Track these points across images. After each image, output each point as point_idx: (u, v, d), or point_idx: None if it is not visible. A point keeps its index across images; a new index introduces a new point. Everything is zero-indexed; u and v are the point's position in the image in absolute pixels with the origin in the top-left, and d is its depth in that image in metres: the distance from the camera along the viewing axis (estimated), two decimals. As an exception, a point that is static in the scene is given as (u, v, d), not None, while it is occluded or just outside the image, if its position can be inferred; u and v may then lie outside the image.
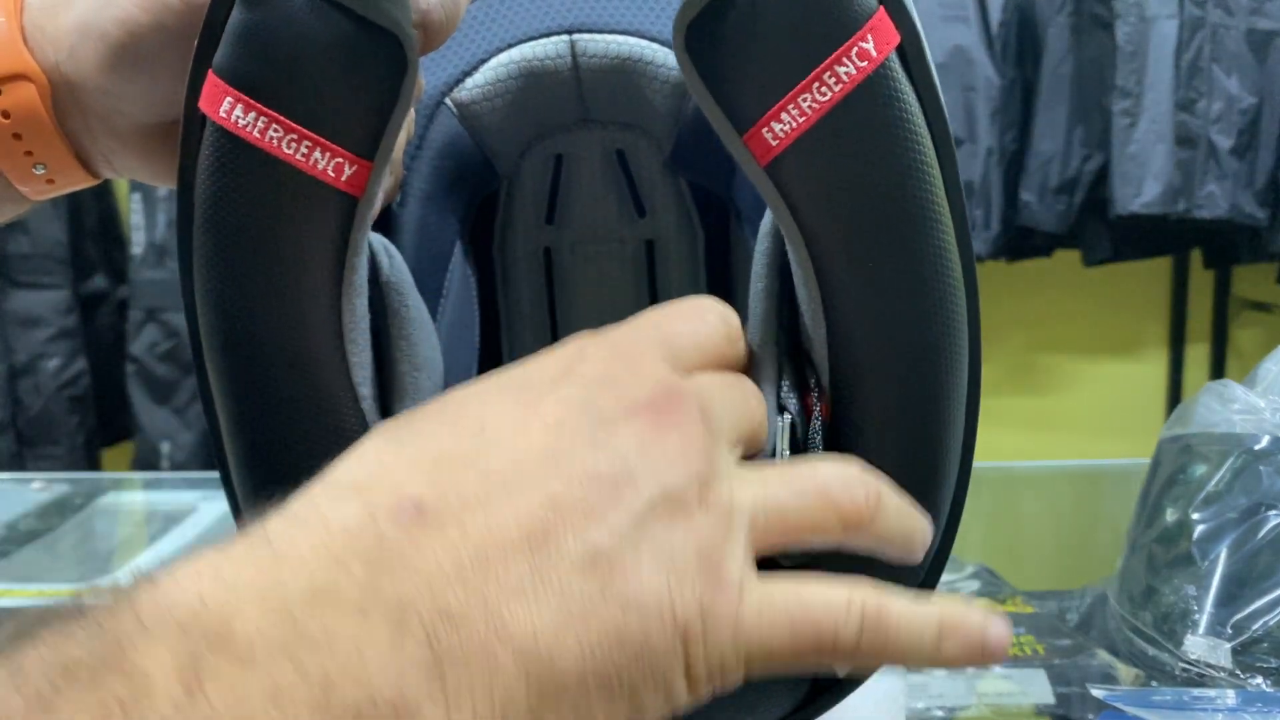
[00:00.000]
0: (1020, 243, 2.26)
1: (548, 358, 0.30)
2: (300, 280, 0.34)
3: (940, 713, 0.63)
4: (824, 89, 0.32)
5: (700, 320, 0.33)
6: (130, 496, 1.19)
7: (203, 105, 0.34)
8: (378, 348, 0.37)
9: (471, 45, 0.44)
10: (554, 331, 0.51)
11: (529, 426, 0.28)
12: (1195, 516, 0.66)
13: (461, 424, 0.28)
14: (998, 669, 0.66)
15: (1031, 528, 1.08)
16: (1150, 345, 2.59)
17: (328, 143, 0.33)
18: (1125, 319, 2.57)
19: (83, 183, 0.41)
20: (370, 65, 0.32)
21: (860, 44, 0.32)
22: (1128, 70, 2.08)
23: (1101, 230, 2.22)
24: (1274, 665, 0.60)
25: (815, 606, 0.28)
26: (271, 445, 0.35)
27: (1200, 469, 0.68)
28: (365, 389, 0.36)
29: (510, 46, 0.44)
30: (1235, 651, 0.61)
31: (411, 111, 0.42)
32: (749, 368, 0.36)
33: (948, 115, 0.35)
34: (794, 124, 0.32)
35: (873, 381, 0.35)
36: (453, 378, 0.44)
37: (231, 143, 0.33)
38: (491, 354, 0.51)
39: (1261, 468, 0.66)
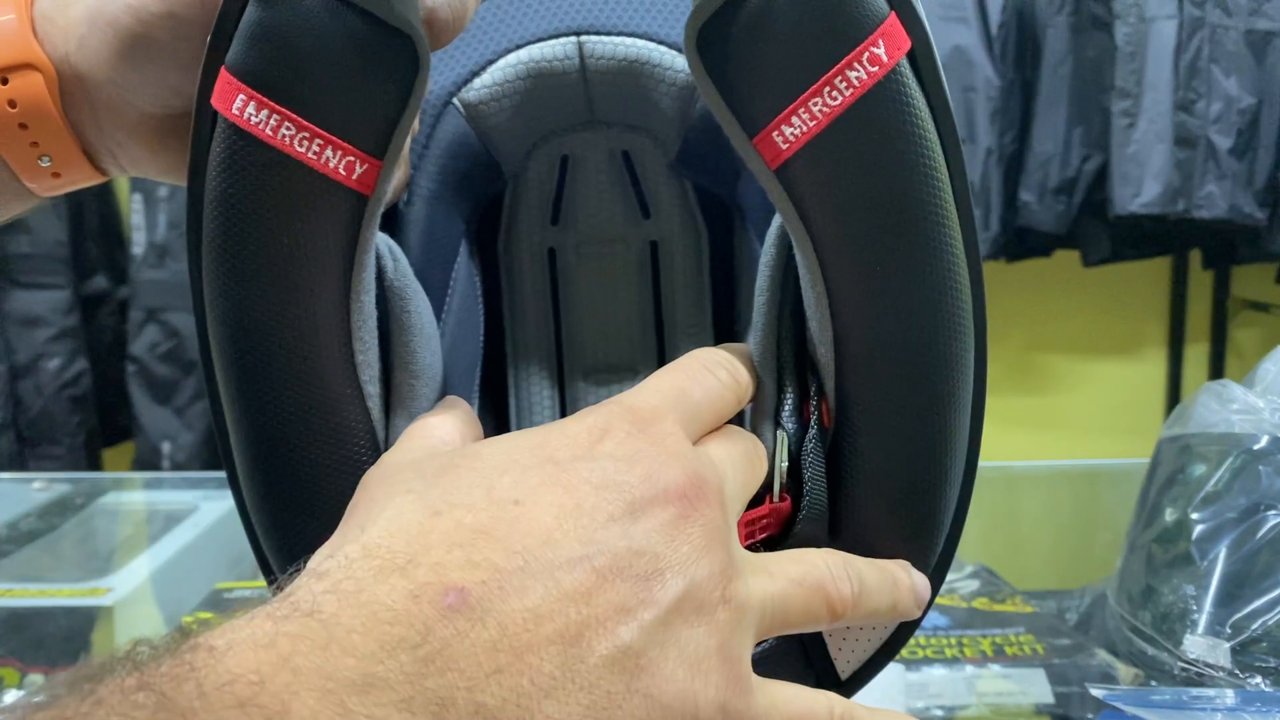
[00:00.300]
0: (1020, 243, 2.26)
1: (573, 428, 0.31)
2: (309, 277, 0.34)
3: (939, 712, 0.63)
4: (835, 93, 0.32)
5: (713, 378, 0.34)
6: (131, 496, 1.19)
7: (215, 102, 0.34)
8: (384, 347, 0.37)
9: (480, 46, 0.44)
10: (558, 332, 0.51)
11: (562, 505, 0.29)
12: (1194, 516, 0.66)
13: (495, 495, 0.29)
14: (997, 668, 0.67)
15: (1031, 527, 1.08)
16: (1149, 345, 2.59)
17: (339, 141, 0.33)
18: (1124, 319, 2.57)
19: (89, 179, 0.41)
20: (383, 64, 0.33)
21: (872, 49, 0.32)
22: (1127, 71, 2.08)
23: (1101, 230, 2.22)
24: (1273, 665, 0.60)
25: (802, 713, 0.31)
26: (277, 442, 0.35)
27: (1199, 469, 0.68)
28: (372, 387, 0.36)
29: (518, 48, 0.44)
30: (1234, 651, 0.61)
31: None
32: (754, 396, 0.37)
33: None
34: (804, 128, 0.32)
35: (878, 386, 0.35)
36: (456, 377, 0.44)
37: (243, 140, 0.33)
38: (495, 354, 0.51)
39: (1260, 467, 0.66)
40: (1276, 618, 0.61)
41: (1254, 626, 0.61)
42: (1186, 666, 0.62)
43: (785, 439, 0.36)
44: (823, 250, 0.34)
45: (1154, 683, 0.63)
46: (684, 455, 0.31)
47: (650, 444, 0.31)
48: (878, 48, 0.32)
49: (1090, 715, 0.61)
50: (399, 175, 0.42)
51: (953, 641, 0.70)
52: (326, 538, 0.35)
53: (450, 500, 0.29)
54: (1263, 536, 0.64)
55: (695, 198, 0.50)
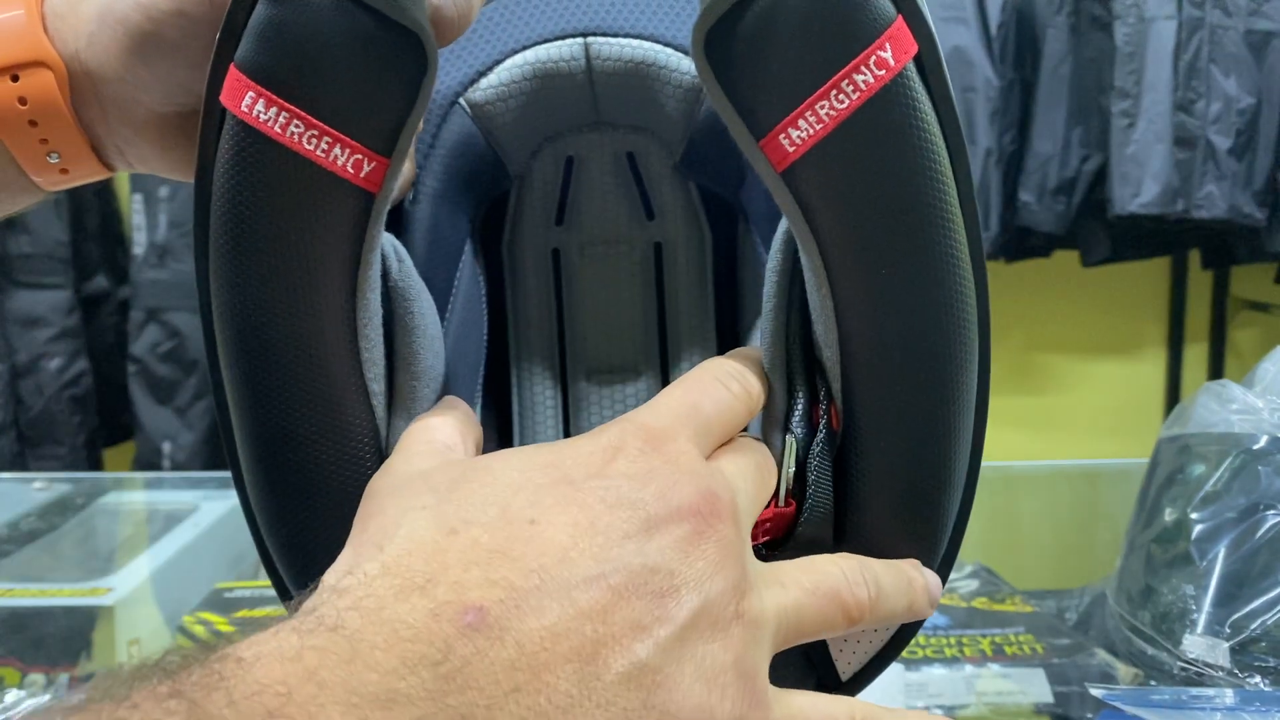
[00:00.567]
0: (1019, 243, 2.26)
1: (586, 446, 0.31)
2: (316, 275, 0.34)
3: (939, 711, 0.63)
4: (841, 97, 0.32)
5: (725, 391, 0.35)
6: (131, 496, 1.19)
7: (224, 99, 0.34)
8: (388, 347, 0.37)
9: (486, 46, 0.44)
10: (561, 332, 0.51)
11: (577, 524, 0.29)
12: (1194, 516, 0.66)
13: (511, 513, 0.29)
14: (996, 667, 0.67)
15: (1030, 527, 1.08)
16: (1149, 345, 2.59)
17: (348, 139, 0.33)
18: (1124, 319, 2.57)
19: (96, 174, 0.41)
20: (392, 64, 0.33)
21: (879, 53, 0.32)
22: (1126, 71, 2.08)
23: (1100, 230, 2.22)
24: (1272, 664, 0.60)
25: None
26: (281, 437, 0.36)
27: (1199, 469, 0.69)
28: (377, 385, 0.36)
29: (525, 48, 0.44)
30: (1233, 651, 0.61)
31: None
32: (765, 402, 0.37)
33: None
34: (811, 131, 0.32)
35: (883, 389, 0.35)
36: (459, 377, 0.44)
37: (252, 137, 0.33)
38: (498, 354, 0.51)
39: (1260, 467, 0.66)
40: (1275, 617, 0.61)
41: (1253, 626, 0.61)
42: (1186, 666, 0.62)
43: (794, 444, 0.36)
44: (828, 253, 0.34)
45: (1153, 682, 0.63)
46: (697, 472, 0.31)
47: (663, 461, 0.31)
48: (884, 51, 0.32)
49: (1090, 715, 0.61)
50: (405, 173, 0.42)
51: (952, 641, 0.70)
52: (329, 533, 0.36)
53: (466, 518, 0.29)
54: (1262, 536, 0.64)
55: (700, 200, 0.50)
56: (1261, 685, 0.60)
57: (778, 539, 0.36)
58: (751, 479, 0.34)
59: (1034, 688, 0.65)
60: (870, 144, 0.32)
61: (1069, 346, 2.59)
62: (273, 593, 0.40)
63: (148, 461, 2.15)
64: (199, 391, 2.15)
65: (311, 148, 0.33)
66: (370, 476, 0.35)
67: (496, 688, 0.26)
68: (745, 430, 0.37)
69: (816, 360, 0.37)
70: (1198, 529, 0.66)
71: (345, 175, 0.33)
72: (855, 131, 0.32)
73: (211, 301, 0.36)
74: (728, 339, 0.51)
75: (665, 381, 0.52)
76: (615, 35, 0.43)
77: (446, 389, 0.40)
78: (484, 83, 0.44)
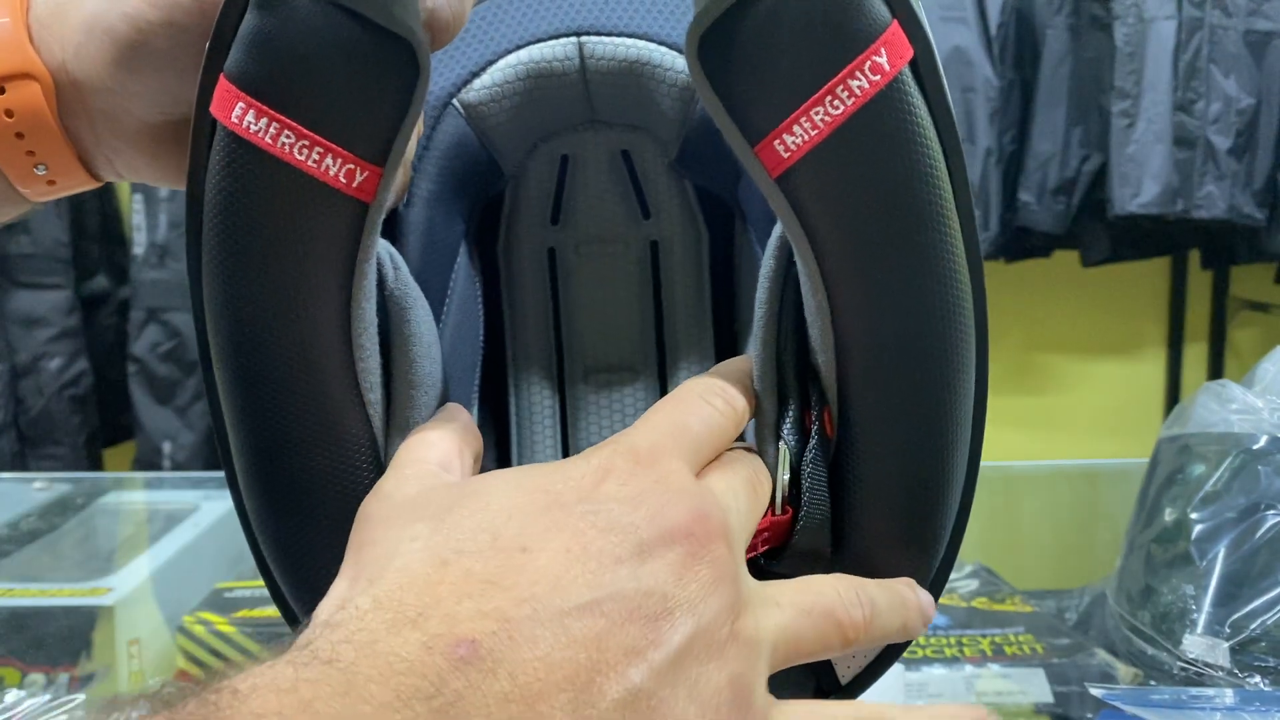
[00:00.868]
0: (1019, 243, 2.26)
1: (576, 470, 0.31)
2: (309, 286, 0.34)
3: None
4: (836, 102, 0.32)
5: (711, 408, 0.35)
6: (132, 496, 1.19)
7: (214, 110, 0.34)
8: (385, 355, 0.37)
9: (480, 47, 0.44)
10: (557, 332, 0.51)
11: (569, 550, 0.29)
12: (1193, 516, 0.66)
13: (502, 542, 0.29)
14: (996, 667, 0.67)
15: (1030, 527, 1.08)
16: (1148, 345, 2.59)
17: (339, 149, 0.33)
18: (1124, 319, 2.57)
19: (84, 185, 0.41)
20: (384, 72, 0.32)
21: (874, 57, 0.32)
22: (1126, 71, 2.08)
23: (1100, 230, 2.22)
24: (1272, 664, 0.60)
25: None
26: (276, 447, 0.35)
27: (1198, 469, 0.69)
28: (373, 394, 0.36)
29: (518, 48, 0.44)
30: (1233, 651, 0.61)
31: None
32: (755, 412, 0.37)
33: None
34: (806, 137, 0.32)
35: (879, 394, 0.35)
36: (455, 379, 0.44)
37: (243, 148, 0.33)
38: (495, 354, 0.51)
39: (1260, 467, 0.66)
40: (1275, 617, 0.61)
41: (1253, 626, 0.61)
42: (1185, 666, 0.62)
43: (786, 452, 0.36)
44: (824, 258, 0.34)
45: (1153, 682, 0.63)
46: (688, 492, 0.31)
47: (654, 482, 0.31)
48: (880, 56, 0.32)
49: (1090, 715, 0.61)
50: (400, 179, 0.42)
51: (952, 641, 0.70)
52: (324, 541, 0.35)
53: (457, 548, 0.29)
54: (1262, 536, 0.64)
55: (696, 198, 0.50)
56: (1261, 685, 0.60)
57: (776, 547, 0.36)
58: (743, 495, 0.34)
59: (1034, 688, 0.65)
60: (866, 149, 0.32)
61: (1069, 346, 2.59)
62: (271, 593, 0.40)
63: (148, 461, 2.15)
64: (199, 391, 2.14)
65: (303, 158, 0.32)
66: (366, 486, 0.35)
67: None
68: (742, 438, 0.37)
69: (810, 366, 0.37)
70: (1198, 529, 0.66)
71: (337, 185, 0.33)
72: (851, 137, 0.32)
73: (205, 310, 0.36)
74: (725, 336, 0.51)
75: (662, 380, 0.52)
76: (609, 34, 0.43)
77: (445, 394, 0.40)
78: (477, 83, 0.44)
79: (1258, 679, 0.60)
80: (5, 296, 2.13)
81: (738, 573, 0.31)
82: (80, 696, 0.60)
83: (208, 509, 1.00)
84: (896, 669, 0.66)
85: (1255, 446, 0.67)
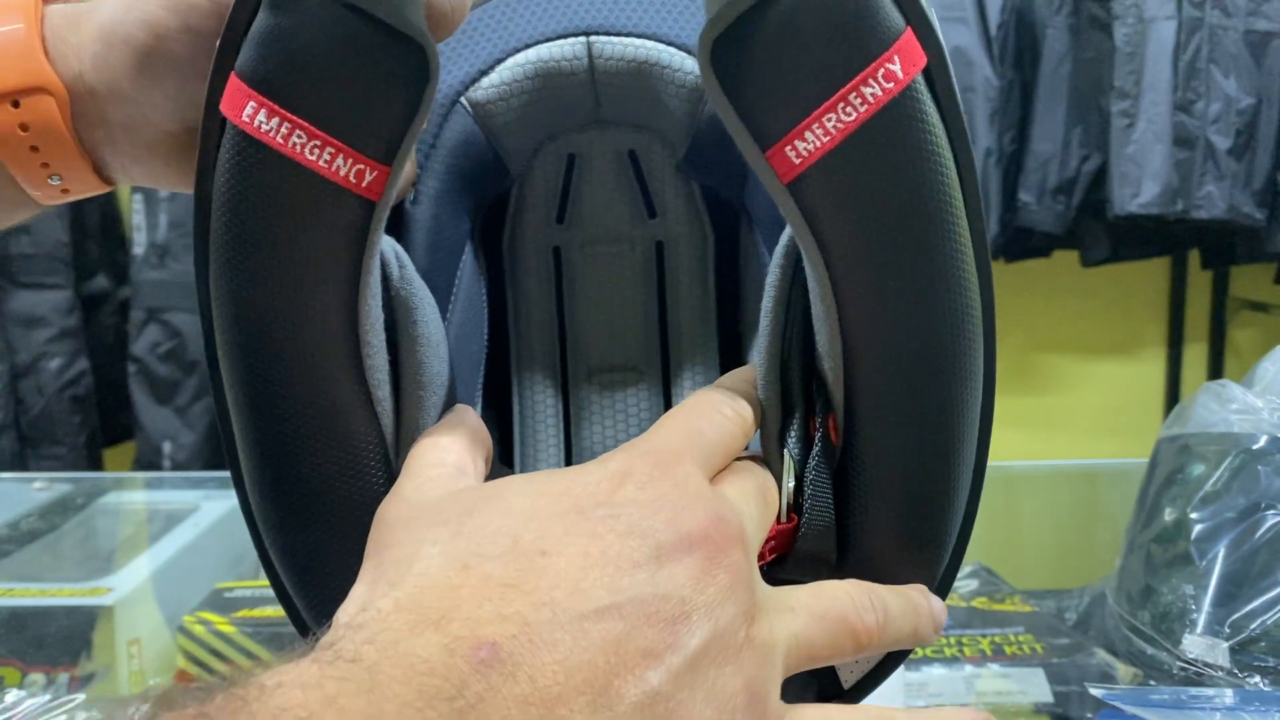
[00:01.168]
0: (1019, 243, 2.26)
1: (594, 474, 0.31)
2: (317, 284, 0.34)
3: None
4: (849, 109, 0.32)
5: (721, 417, 0.35)
6: (132, 496, 1.19)
7: (224, 108, 0.34)
8: (392, 355, 0.37)
9: (488, 45, 0.44)
10: (562, 331, 0.51)
11: (588, 554, 0.29)
12: (1193, 516, 0.66)
13: (522, 546, 0.29)
14: (996, 667, 0.67)
15: (1030, 527, 1.08)
16: (1148, 345, 2.59)
17: (349, 148, 0.33)
18: (1123, 319, 2.57)
19: (97, 190, 0.41)
20: (393, 71, 0.33)
21: (887, 65, 0.32)
22: (1126, 71, 2.08)
23: (1100, 231, 2.22)
24: (1271, 664, 0.60)
25: None
26: (283, 446, 0.35)
27: (1198, 469, 0.69)
28: (381, 392, 0.36)
29: (527, 47, 0.44)
30: (1233, 651, 0.61)
31: None
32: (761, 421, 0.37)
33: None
34: (818, 143, 0.32)
35: (887, 400, 0.35)
36: (460, 377, 0.44)
37: (253, 147, 0.33)
38: (499, 353, 0.51)
39: (1259, 467, 0.66)
40: (1275, 617, 0.61)
41: (1253, 626, 0.61)
42: (1185, 666, 0.62)
43: (791, 460, 0.36)
44: (833, 265, 0.33)
45: (1153, 682, 0.63)
46: (705, 497, 0.31)
47: (671, 486, 0.31)
48: (893, 64, 0.32)
49: (1089, 715, 0.61)
50: (406, 175, 0.42)
51: (952, 641, 0.70)
52: (332, 540, 0.36)
53: (478, 552, 0.29)
54: (1261, 536, 0.64)
55: (702, 198, 0.50)
56: (1261, 685, 0.60)
57: (782, 555, 0.36)
58: (755, 502, 0.34)
59: (1034, 687, 0.65)
60: (878, 157, 0.32)
61: (1069, 346, 2.59)
62: (273, 593, 0.40)
63: (148, 461, 2.15)
64: (199, 391, 2.15)
65: (314, 158, 0.33)
66: (375, 485, 0.35)
67: None
68: (748, 447, 0.37)
69: (816, 372, 0.37)
70: (1197, 529, 0.66)
71: (347, 185, 0.33)
72: (863, 144, 0.32)
73: (212, 308, 0.36)
74: (729, 338, 0.51)
75: (666, 381, 0.52)
76: (618, 34, 0.43)
77: (452, 393, 0.40)
78: (485, 82, 0.44)
79: (1257, 679, 0.60)
80: (5, 296, 2.13)
81: (753, 578, 0.31)
82: (80, 696, 0.60)
83: (208, 509, 1.00)
84: (897, 669, 0.66)
85: (1255, 446, 0.67)
